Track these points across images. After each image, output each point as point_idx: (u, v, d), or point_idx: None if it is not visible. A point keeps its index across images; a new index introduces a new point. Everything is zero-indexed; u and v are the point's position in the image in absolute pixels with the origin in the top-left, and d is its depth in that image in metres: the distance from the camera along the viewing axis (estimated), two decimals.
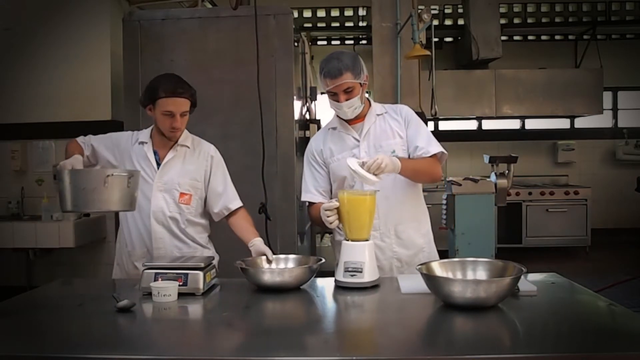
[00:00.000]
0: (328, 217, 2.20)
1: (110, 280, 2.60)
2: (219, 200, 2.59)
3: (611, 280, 5.08)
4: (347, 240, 2.18)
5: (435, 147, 2.44)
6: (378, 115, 2.49)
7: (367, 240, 2.18)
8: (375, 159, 2.19)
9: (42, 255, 4.41)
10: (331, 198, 2.48)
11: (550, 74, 7.34)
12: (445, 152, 2.46)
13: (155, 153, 2.55)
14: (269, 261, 2.28)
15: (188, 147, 2.57)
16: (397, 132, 2.46)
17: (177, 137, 2.52)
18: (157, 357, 1.51)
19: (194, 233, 2.59)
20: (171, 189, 2.52)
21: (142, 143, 2.56)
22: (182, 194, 2.52)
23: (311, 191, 2.52)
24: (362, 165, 2.20)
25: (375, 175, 2.17)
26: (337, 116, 2.50)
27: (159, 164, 2.53)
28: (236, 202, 2.61)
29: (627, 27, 7.94)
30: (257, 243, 2.40)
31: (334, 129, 2.52)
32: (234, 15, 3.78)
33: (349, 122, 2.47)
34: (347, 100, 2.34)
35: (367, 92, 2.51)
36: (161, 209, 2.51)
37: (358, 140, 2.46)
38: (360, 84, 2.35)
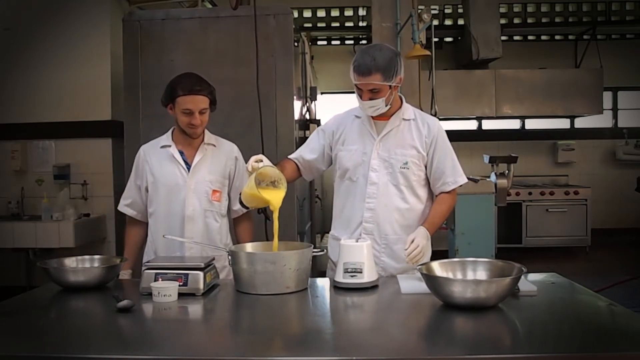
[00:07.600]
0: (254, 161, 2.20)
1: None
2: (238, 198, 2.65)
3: (611, 280, 5.08)
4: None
5: (461, 178, 2.41)
6: (405, 120, 2.39)
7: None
8: (417, 246, 2.17)
9: (42, 255, 4.41)
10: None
11: (550, 74, 7.33)
12: (466, 179, 2.44)
13: (181, 153, 2.55)
14: None
15: (214, 146, 2.60)
16: (417, 144, 2.36)
17: (197, 134, 2.52)
18: (157, 357, 1.51)
19: (224, 231, 2.63)
20: (204, 188, 2.54)
21: (164, 147, 2.56)
22: (214, 191, 2.55)
23: (298, 152, 2.54)
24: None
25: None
26: None
27: (186, 163, 2.54)
28: None
29: (627, 27, 7.93)
30: None
31: (358, 117, 2.44)
32: (234, 15, 3.79)
33: (374, 117, 2.38)
34: (370, 99, 2.26)
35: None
36: (195, 210, 2.52)
37: (375, 139, 2.38)
38: (390, 86, 2.25)
